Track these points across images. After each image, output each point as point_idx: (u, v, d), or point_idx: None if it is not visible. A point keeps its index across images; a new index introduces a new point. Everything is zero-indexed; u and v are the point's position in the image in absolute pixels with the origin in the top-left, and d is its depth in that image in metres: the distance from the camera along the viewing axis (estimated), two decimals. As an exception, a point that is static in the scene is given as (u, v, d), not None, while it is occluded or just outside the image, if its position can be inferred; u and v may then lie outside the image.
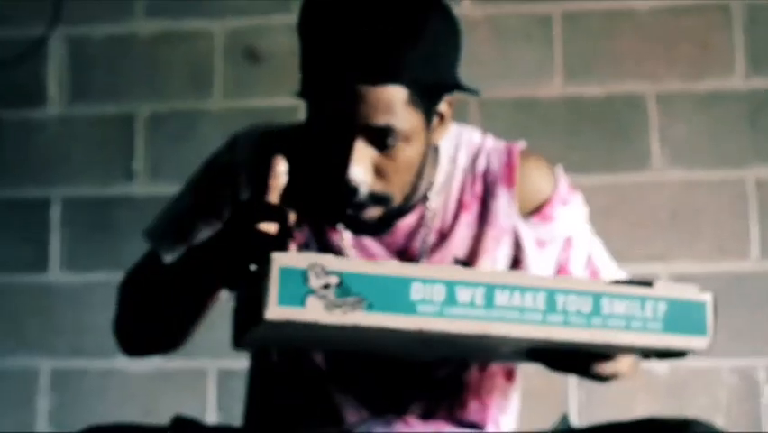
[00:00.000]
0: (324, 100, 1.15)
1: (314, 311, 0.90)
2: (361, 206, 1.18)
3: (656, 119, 2.46)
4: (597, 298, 0.98)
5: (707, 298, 1.02)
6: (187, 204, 1.37)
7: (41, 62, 2.67)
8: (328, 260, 0.91)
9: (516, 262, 1.31)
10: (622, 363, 1.13)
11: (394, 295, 0.92)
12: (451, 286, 0.94)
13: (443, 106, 1.23)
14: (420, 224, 1.30)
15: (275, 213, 1.02)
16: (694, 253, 2.39)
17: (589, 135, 2.45)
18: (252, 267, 0.95)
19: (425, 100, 1.17)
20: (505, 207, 1.31)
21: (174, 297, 1.24)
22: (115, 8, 2.66)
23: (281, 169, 1.07)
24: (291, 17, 2.58)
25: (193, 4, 2.64)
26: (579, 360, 1.11)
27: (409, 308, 0.92)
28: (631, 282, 1.01)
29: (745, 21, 2.46)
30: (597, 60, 2.48)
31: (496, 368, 1.36)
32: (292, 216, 1.02)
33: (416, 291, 0.93)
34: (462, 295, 0.94)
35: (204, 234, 1.31)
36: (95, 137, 2.63)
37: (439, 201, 1.31)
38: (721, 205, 2.41)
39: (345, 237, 1.29)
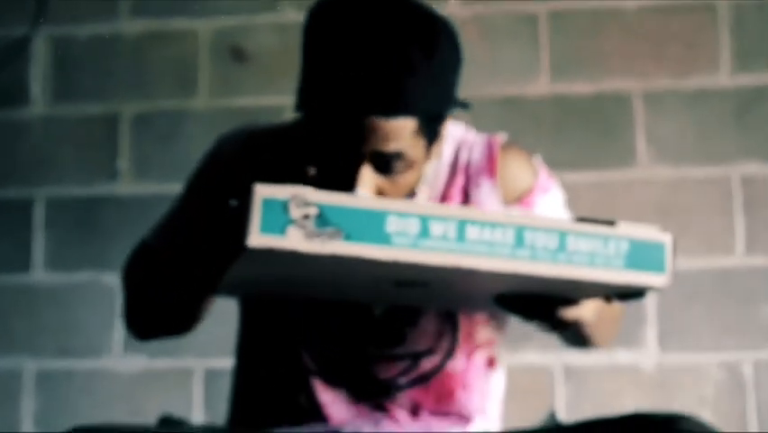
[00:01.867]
0: (332, 128, 1.15)
1: (293, 240, 0.93)
2: None
3: (643, 117, 2.47)
4: (563, 235, 1.02)
5: (666, 238, 1.06)
6: (179, 204, 1.39)
7: (25, 62, 2.65)
8: (308, 192, 0.95)
9: None
10: (585, 309, 1.15)
11: (370, 227, 0.96)
12: (425, 220, 0.98)
13: (441, 126, 1.24)
14: None
15: None
16: (681, 249, 2.37)
17: (576, 133, 2.46)
18: (233, 202, 0.99)
19: (431, 126, 1.18)
20: (487, 196, 1.33)
21: (172, 277, 1.26)
22: (100, 7, 2.65)
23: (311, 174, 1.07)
24: (277, 16, 2.61)
25: (178, 3, 2.63)
26: (543, 306, 1.13)
27: (385, 239, 0.96)
28: (595, 221, 1.05)
29: (730, 19, 2.47)
30: (583, 59, 2.49)
31: (480, 356, 1.37)
32: None
33: (392, 224, 0.97)
34: (436, 228, 0.98)
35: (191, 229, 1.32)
36: (79, 137, 2.62)
37: (424, 195, 1.32)
38: (707, 201, 2.42)
39: None
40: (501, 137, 1.38)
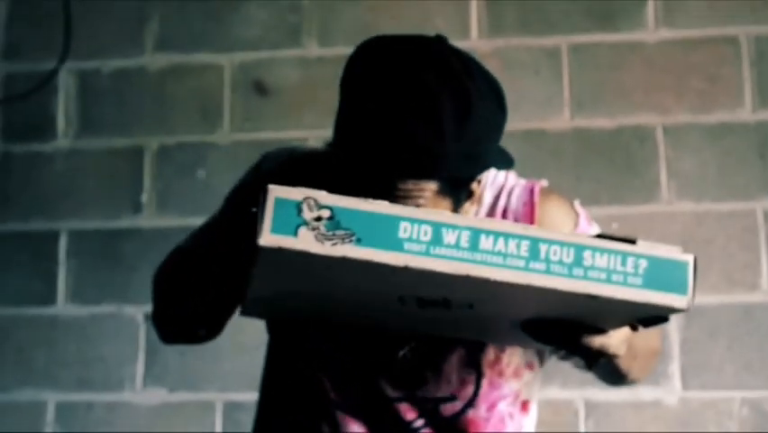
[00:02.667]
0: (360, 175, 1.15)
1: (304, 241, 0.93)
2: None
3: (665, 151, 2.46)
4: (579, 249, 0.99)
5: (689, 258, 1.03)
6: (215, 217, 1.39)
7: (51, 96, 2.68)
8: (321, 194, 0.95)
9: None
10: (612, 338, 1.12)
11: (383, 232, 0.95)
12: (437, 227, 0.96)
13: (474, 185, 1.22)
14: None
15: None
16: (704, 285, 2.38)
17: (598, 167, 2.45)
18: (254, 210, 0.98)
19: (456, 187, 1.18)
20: None
21: (199, 276, 1.26)
22: (125, 42, 2.68)
23: None
24: (300, 51, 2.62)
25: (203, 38, 2.65)
26: (569, 333, 1.11)
27: (396, 245, 0.95)
28: (615, 238, 1.02)
29: (753, 54, 2.47)
30: (605, 93, 2.49)
31: (503, 407, 1.35)
32: None
33: (404, 230, 0.95)
34: (448, 236, 0.96)
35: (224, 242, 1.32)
36: (103, 170, 2.64)
37: None
38: (731, 236, 2.40)
39: None
40: (542, 183, 1.36)
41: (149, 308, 2.50)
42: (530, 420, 1.40)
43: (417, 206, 1.13)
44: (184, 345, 1.43)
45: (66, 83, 2.68)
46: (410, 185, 1.12)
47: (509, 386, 1.35)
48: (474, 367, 1.32)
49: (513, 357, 1.34)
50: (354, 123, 1.14)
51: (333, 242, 0.93)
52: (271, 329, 1.42)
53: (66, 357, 2.56)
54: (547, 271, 0.98)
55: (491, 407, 1.34)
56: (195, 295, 1.29)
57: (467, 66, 1.16)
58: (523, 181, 1.36)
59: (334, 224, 0.94)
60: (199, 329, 1.36)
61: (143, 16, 2.68)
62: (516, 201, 1.33)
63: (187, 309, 1.33)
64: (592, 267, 1.00)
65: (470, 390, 1.32)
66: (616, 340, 1.13)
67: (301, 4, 2.63)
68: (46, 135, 2.67)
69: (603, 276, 1.00)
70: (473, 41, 2.50)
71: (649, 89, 2.48)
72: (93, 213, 2.62)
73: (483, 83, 1.16)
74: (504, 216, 1.32)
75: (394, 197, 1.12)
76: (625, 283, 1.00)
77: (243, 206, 1.32)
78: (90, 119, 2.67)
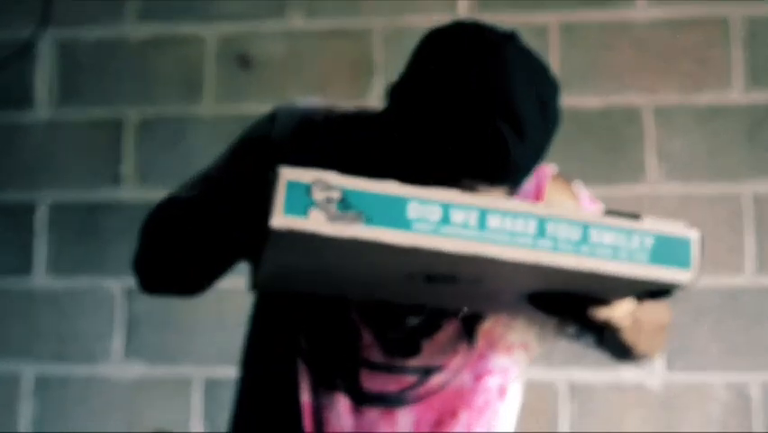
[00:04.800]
0: (424, 169, 1.13)
1: (315, 222, 0.95)
2: None
3: (653, 132, 2.45)
4: (586, 227, 1.01)
5: (693, 234, 1.05)
6: (218, 166, 1.35)
7: (30, 65, 2.65)
8: (332, 176, 0.97)
9: None
10: (617, 310, 1.12)
11: (392, 212, 0.97)
12: (446, 207, 0.99)
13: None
14: None
15: None
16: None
17: (585, 147, 2.45)
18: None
19: (515, 185, 1.18)
20: None
21: (199, 229, 1.23)
22: (106, 11, 2.64)
23: None
24: (284, 23, 2.60)
25: (185, 8, 2.62)
26: (575, 304, 1.12)
27: (405, 224, 0.97)
28: (620, 214, 1.04)
29: (743, 35, 2.46)
30: (594, 72, 2.48)
31: (491, 382, 1.35)
32: None
33: (413, 210, 0.98)
34: (457, 216, 0.99)
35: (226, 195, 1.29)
36: (83, 141, 2.61)
37: None
38: (717, 219, 2.40)
39: None
40: (552, 168, 1.37)
41: (128, 281, 2.49)
42: (508, 408, 1.39)
43: None
44: (164, 294, 1.39)
45: (45, 52, 2.65)
46: (479, 187, 1.11)
47: (498, 360, 1.35)
48: (467, 337, 1.32)
49: (508, 332, 1.34)
50: (431, 104, 1.12)
51: (344, 222, 0.96)
52: (253, 306, 1.40)
53: (43, 330, 2.54)
54: (554, 249, 1.00)
55: (478, 378, 1.34)
56: (190, 248, 1.25)
57: (545, 69, 1.18)
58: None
59: (345, 204, 0.96)
60: (190, 282, 1.33)
61: (126, -15, 2.65)
62: (527, 184, 1.32)
63: (179, 261, 1.29)
64: (599, 244, 1.01)
65: (459, 360, 1.32)
66: (620, 312, 1.13)
67: (287, -24, 2.60)
68: (24, 105, 2.64)
69: (609, 253, 1.01)
70: (461, 16, 2.48)
71: (638, 70, 2.47)
72: (72, 185, 2.59)
73: (553, 85, 1.18)
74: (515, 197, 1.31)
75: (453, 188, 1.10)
76: (631, 260, 1.02)
77: (250, 168, 1.29)
78: (70, 89, 2.64)
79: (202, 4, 2.62)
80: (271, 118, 1.34)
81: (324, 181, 0.96)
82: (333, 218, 0.95)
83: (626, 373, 2.36)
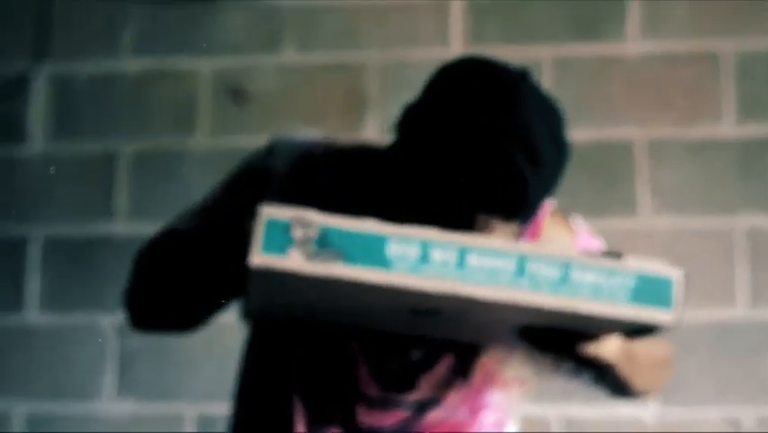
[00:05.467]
0: (434, 203, 1.11)
1: (294, 261, 0.95)
2: None
3: (645, 165, 2.46)
4: (566, 266, 1.00)
5: (676, 273, 1.04)
6: (215, 198, 1.33)
7: (25, 98, 2.65)
8: (311, 214, 0.96)
9: None
10: (606, 347, 1.11)
11: (370, 250, 0.97)
12: (425, 245, 0.98)
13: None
14: None
15: None
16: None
17: (577, 180, 2.45)
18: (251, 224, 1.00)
19: (527, 219, 1.17)
20: None
21: (194, 264, 1.21)
22: (101, 45, 2.65)
23: None
24: (279, 58, 2.60)
25: (180, 42, 2.63)
26: (564, 341, 1.11)
27: (384, 263, 0.97)
28: (601, 254, 1.03)
29: (735, 69, 2.47)
30: (586, 105, 2.49)
31: (486, 418, 1.34)
32: None
33: (392, 248, 0.97)
34: (436, 254, 0.98)
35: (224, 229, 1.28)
36: (77, 175, 2.61)
37: None
38: (710, 253, 2.40)
39: None
40: (551, 203, 1.35)
41: (120, 317, 2.48)
42: None
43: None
44: (155, 331, 1.38)
45: (40, 86, 2.65)
46: (495, 222, 1.10)
47: (494, 396, 1.34)
48: (463, 372, 1.31)
49: (504, 367, 1.33)
50: (447, 136, 1.11)
51: (322, 261, 0.95)
52: (258, 330, 1.39)
53: (36, 366, 2.52)
54: (534, 288, 0.99)
55: (474, 412, 1.33)
56: (185, 282, 1.23)
57: (555, 103, 1.18)
58: None
59: (323, 243, 0.96)
60: (184, 319, 1.30)
61: (121, 20, 2.66)
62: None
63: (173, 296, 1.26)
64: (579, 284, 1.00)
65: (455, 395, 1.31)
66: (609, 348, 1.12)
67: (281, 11, 2.61)
68: (18, 139, 2.64)
69: (589, 292, 1.00)
70: (455, 49, 2.49)
71: (630, 103, 2.48)
72: (65, 219, 2.59)
73: (563, 118, 1.18)
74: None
75: (466, 226, 1.09)
76: (611, 300, 1.01)
77: (247, 200, 1.27)
78: (64, 123, 2.64)
79: (197, 38, 2.63)
80: (269, 151, 1.31)
81: (303, 219, 0.96)
82: (311, 257, 0.95)
83: (621, 409, 2.35)
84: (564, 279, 1.00)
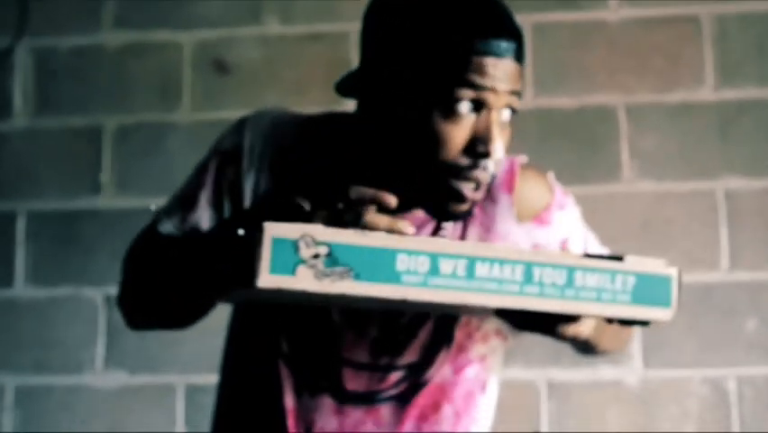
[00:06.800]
0: (456, 78, 1.15)
1: (303, 280, 0.93)
2: (478, 186, 1.19)
3: (627, 130, 2.47)
4: (571, 271, 1.03)
5: (673, 272, 1.08)
6: (191, 184, 1.34)
7: (7, 74, 2.64)
8: (318, 231, 0.94)
9: None
10: (585, 325, 1.15)
11: (380, 265, 0.96)
12: (434, 257, 0.98)
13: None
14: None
15: (299, 212, 1.01)
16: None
17: (559, 147, 2.46)
18: (240, 232, 0.96)
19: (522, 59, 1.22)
20: (503, 212, 1.33)
21: (180, 276, 1.20)
22: (83, 19, 2.64)
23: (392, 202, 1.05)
24: (260, 29, 2.60)
25: (162, 15, 2.62)
26: (544, 320, 1.13)
27: (395, 278, 0.96)
28: (603, 257, 1.07)
29: (714, 33, 2.48)
30: (567, 72, 2.49)
31: (471, 372, 1.36)
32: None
33: (402, 262, 0.97)
34: (445, 266, 0.98)
35: (203, 214, 1.29)
36: (61, 150, 2.60)
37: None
38: (691, 216, 2.42)
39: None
40: (522, 158, 1.39)
41: (108, 289, 2.49)
42: (488, 400, 1.40)
43: (520, 90, 1.19)
44: (151, 330, 1.40)
45: (22, 60, 2.64)
46: (512, 64, 1.16)
47: (477, 350, 1.36)
48: (445, 331, 1.33)
49: (483, 322, 1.36)
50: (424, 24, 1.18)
51: (332, 278, 0.94)
52: (233, 313, 1.40)
53: (24, 340, 2.53)
54: (541, 295, 1.02)
55: (458, 370, 1.35)
56: (174, 288, 1.22)
57: None
58: (505, 157, 1.37)
59: (332, 260, 0.94)
60: (177, 318, 1.31)
61: (101, -7, 2.65)
62: (499, 173, 1.35)
63: (163, 300, 1.27)
64: (583, 287, 1.04)
65: (441, 355, 1.33)
66: (587, 327, 1.16)
67: (262, -18, 2.60)
68: (2, 114, 2.63)
69: (593, 295, 1.04)
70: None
71: (611, 69, 2.48)
72: (51, 193, 2.58)
73: None
74: (489, 187, 1.32)
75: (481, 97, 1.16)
76: (614, 301, 1.05)
77: (225, 178, 1.29)
78: (47, 97, 2.63)
79: (178, 10, 2.62)
80: (238, 129, 1.33)
81: (310, 236, 0.93)
82: (320, 275, 0.93)
83: (603, 371, 2.37)
84: (569, 283, 1.03)
